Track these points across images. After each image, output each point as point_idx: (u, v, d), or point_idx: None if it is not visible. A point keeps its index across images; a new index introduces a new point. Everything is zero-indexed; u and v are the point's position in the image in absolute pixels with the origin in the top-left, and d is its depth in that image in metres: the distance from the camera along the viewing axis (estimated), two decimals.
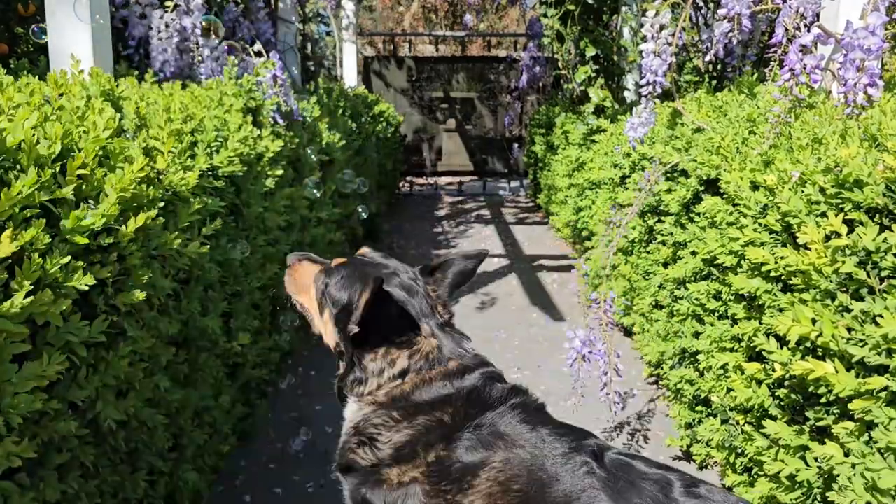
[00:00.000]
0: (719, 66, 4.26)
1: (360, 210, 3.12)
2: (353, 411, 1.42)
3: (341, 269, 1.46)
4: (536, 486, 1.15)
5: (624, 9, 5.06)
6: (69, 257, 1.12)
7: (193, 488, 1.81)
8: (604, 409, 2.57)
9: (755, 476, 1.80)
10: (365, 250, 1.58)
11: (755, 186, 1.83)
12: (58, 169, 1.19)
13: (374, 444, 1.31)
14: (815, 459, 1.45)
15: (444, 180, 10.16)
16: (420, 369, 1.36)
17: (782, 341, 1.54)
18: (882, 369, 1.25)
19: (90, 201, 1.24)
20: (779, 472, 1.54)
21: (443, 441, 1.25)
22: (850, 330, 1.33)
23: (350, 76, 7.66)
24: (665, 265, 2.61)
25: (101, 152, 1.32)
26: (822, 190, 1.52)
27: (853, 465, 1.25)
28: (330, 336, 1.46)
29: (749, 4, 2.34)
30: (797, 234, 1.51)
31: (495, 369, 1.40)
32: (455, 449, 1.23)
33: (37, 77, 1.78)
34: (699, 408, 2.24)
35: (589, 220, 4.07)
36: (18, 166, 1.12)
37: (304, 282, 1.51)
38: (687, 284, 2.28)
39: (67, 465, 1.23)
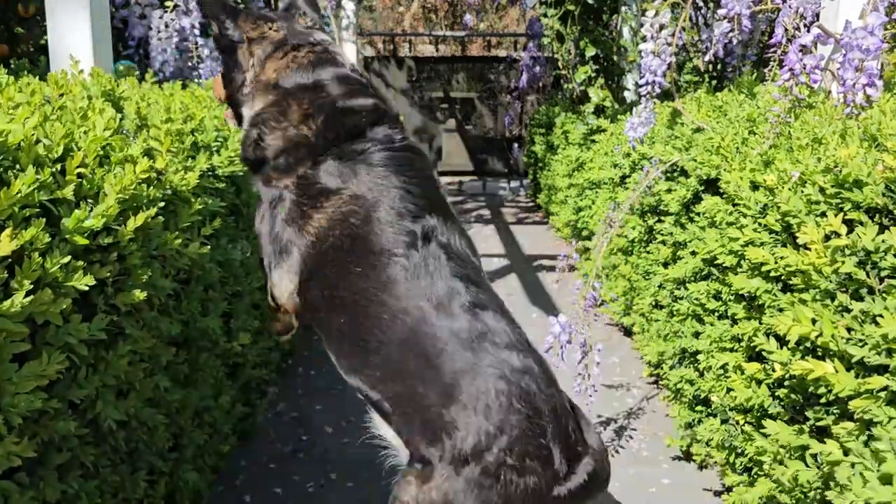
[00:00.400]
0: (719, 66, 4.26)
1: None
2: (247, 111, 1.57)
3: None
4: (366, 229, 1.35)
5: (623, 9, 5.06)
6: (69, 257, 1.12)
7: (193, 488, 1.81)
8: (603, 406, 2.57)
9: (755, 476, 1.80)
10: None
11: (755, 186, 1.83)
12: (58, 169, 1.20)
13: (260, 144, 1.49)
14: (815, 458, 1.45)
15: (444, 180, 10.11)
16: (270, 54, 1.52)
17: (782, 341, 1.54)
18: (882, 369, 1.25)
19: (89, 201, 1.24)
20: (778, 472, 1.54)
21: (309, 160, 1.43)
22: (849, 330, 1.33)
23: None
24: (665, 265, 2.61)
25: (101, 152, 1.32)
26: (822, 190, 1.52)
27: (852, 465, 1.25)
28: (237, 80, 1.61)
29: (749, 4, 2.34)
30: (797, 234, 1.51)
31: (345, 69, 1.55)
32: (318, 170, 1.42)
33: (37, 77, 1.78)
34: (699, 408, 2.24)
35: (589, 220, 4.07)
36: (18, 165, 1.12)
37: (219, 84, 1.71)
38: (687, 284, 2.28)
39: (67, 464, 1.23)
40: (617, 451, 2.44)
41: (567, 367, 2.11)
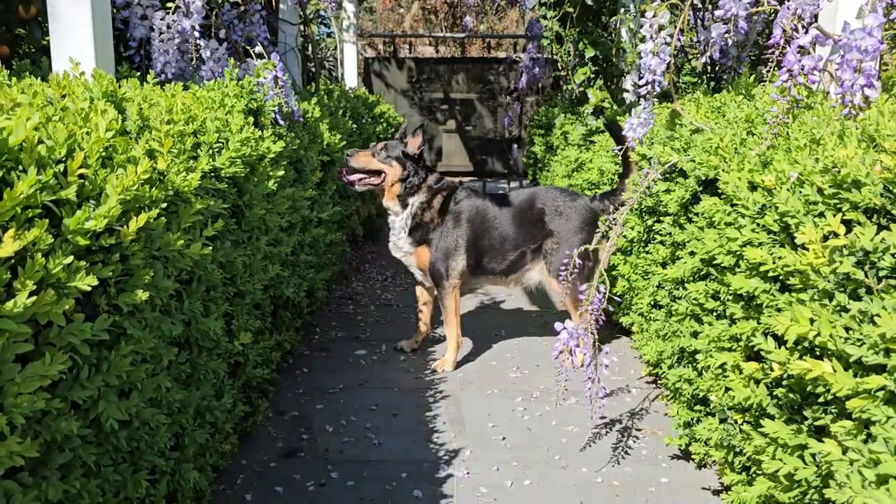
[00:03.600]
0: (717, 68, 4.26)
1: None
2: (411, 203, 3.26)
3: (383, 147, 3.26)
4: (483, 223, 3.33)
5: (622, 10, 5.07)
6: (71, 257, 1.13)
7: (195, 487, 1.82)
8: (604, 407, 2.56)
9: (753, 475, 1.80)
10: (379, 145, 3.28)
11: (753, 187, 1.84)
12: (60, 170, 1.20)
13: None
14: (813, 458, 1.45)
15: None
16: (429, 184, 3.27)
17: (780, 341, 1.55)
18: (880, 368, 1.26)
19: (91, 201, 1.25)
20: (777, 471, 1.55)
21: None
22: (847, 329, 1.33)
23: (350, 77, 7.67)
24: (664, 265, 2.62)
25: (103, 153, 1.33)
26: (820, 190, 1.53)
27: (851, 463, 1.25)
28: (395, 175, 3.23)
29: (746, 6, 2.35)
30: (795, 235, 1.52)
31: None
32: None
33: (39, 78, 1.79)
34: (698, 407, 2.25)
35: None
36: (21, 166, 1.12)
37: (365, 160, 3.21)
38: (685, 284, 2.29)
39: (69, 464, 1.24)
40: (616, 451, 2.44)
41: (575, 369, 2.12)
